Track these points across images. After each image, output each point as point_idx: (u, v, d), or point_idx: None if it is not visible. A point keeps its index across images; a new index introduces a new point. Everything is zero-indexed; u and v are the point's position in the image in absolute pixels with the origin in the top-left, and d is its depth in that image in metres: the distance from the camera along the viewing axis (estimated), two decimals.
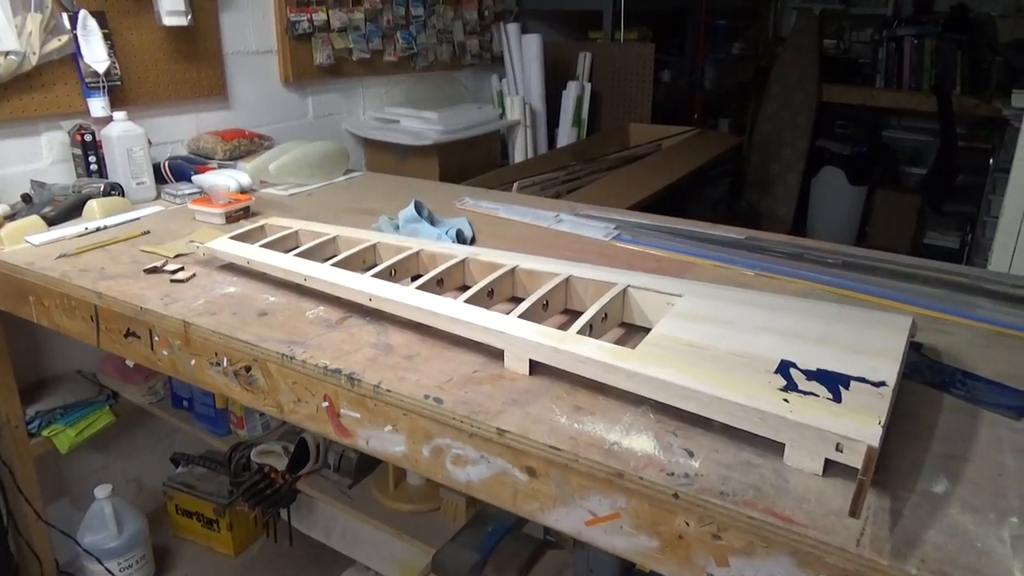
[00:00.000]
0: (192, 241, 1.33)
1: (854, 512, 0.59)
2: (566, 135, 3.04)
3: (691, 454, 0.71)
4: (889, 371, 0.74)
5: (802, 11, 4.47)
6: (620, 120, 3.16)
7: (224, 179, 1.70)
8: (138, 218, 1.53)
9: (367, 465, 1.70)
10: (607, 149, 2.88)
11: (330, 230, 1.25)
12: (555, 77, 3.02)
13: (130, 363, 1.78)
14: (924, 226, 4.12)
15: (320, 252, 1.19)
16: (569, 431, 0.75)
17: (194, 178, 1.74)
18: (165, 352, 1.08)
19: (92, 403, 1.78)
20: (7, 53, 1.54)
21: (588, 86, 3.06)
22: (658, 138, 3.00)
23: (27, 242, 1.36)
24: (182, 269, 1.21)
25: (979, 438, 0.74)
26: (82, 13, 1.63)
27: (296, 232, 1.27)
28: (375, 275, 1.04)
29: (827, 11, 4.46)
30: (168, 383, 1.94)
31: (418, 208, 1.41)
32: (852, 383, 0.72)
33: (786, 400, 0.69)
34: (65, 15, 1.62)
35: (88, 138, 1.66)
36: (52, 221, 1.47)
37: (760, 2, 4.75)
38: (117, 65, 1.75)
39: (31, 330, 1.73)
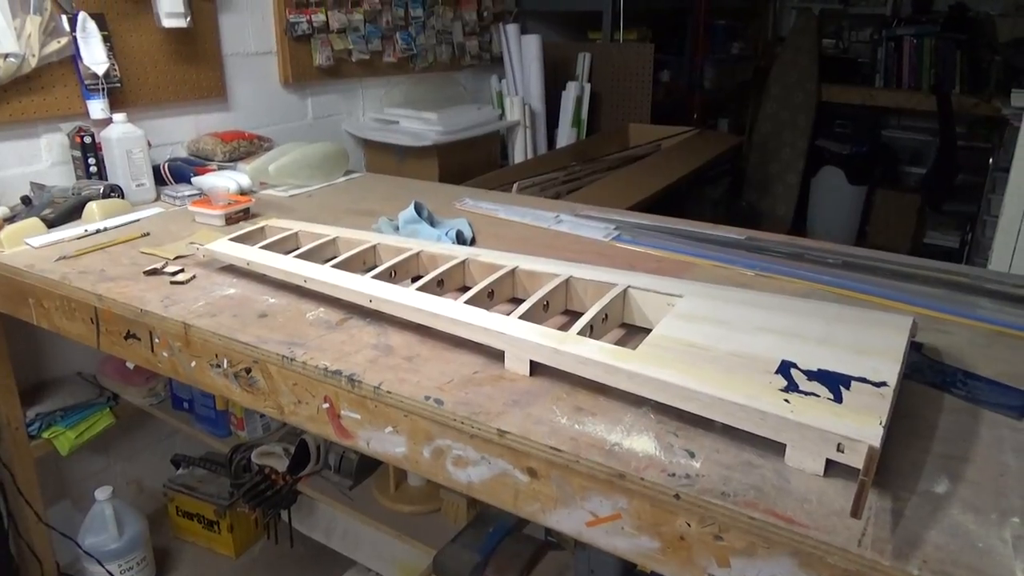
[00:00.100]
0: (192, 243, 1.33)
1: (855, 512, 0.59)
2: (566, 136, 3.04)
3: (692, 455, 0.71)
4: (890, 371, 0.74)
5: (801, 11, 4.47)
6: (620, 120, 3.16)
7: (224, 181, 1.70)
8: (138, 220, 1.53)
9: (368, 466, 1.70)
10: (607, 149, 2.88)
11: (330, 231, 1.25)
12: (554, 78, 3.02)
13: (130, 365, 1.78)
14: (924, 226, 4.12)
15: (320, 253, 1.19)
16: (570, 432, 0.75)
17: (194, 180, 1.74)
18: (165, 354, 1.08)
19: (92, 405, 1.78)
20: (6, 55, 1.54)
21: (587, 86, 3.06)
22: (658, 138, 3.00)
23: (27, 244, 1.36)
24: (182, 271, 1.21)
25: (980, 438, 0.74)
26: (81, 15, 1.63)
27: (296, 233, 1.27)
28: (375, 276, 1.04)
29: (826, 11, 4.46)
30: (168, 385, 1.94)
31: (418, 209, 1.41)
32: (853, 383, 0.72)
33: (787, 400, 0.69)
34: (64, 17, 1.62)
35: (87, 140, 1.66)
36: (52, 223, 1.47)
37: (759, 2, 4.75)
38: (116, 67, 1.75)
39: (31, 332, 1.73)
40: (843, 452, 0.64)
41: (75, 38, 1.64)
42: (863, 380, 0.72)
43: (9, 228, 1.38)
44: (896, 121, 4.49)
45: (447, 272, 1.05)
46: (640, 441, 0.73)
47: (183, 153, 1.97)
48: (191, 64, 1.95)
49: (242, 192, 1.69)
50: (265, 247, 1.19)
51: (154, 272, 1.21)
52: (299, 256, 1.15)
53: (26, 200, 1.57)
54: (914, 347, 0.91)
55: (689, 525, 0.66)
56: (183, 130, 1.99)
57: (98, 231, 1.44)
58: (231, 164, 1.87)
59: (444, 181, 2.28)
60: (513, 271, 1.05)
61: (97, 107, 1.70)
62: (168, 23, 1.80)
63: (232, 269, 1.22)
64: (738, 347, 0.79)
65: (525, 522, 1.56)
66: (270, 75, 2.20)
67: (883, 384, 0.71)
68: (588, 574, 1.34)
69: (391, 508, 1.64)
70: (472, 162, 2.52)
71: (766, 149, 4.35)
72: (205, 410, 1.87)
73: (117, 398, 1.84)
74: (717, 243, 1.34)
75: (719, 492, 0.65)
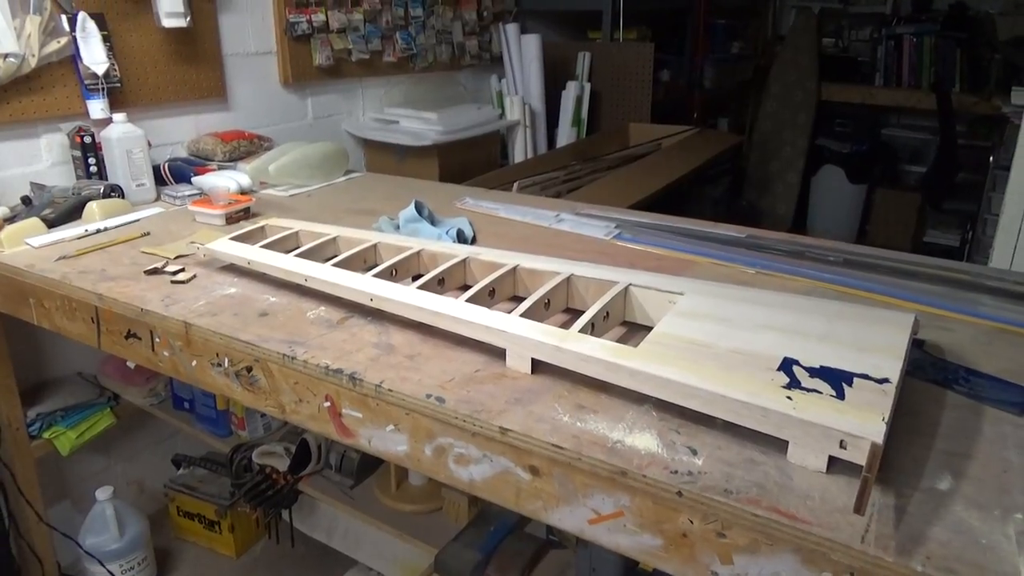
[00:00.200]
0: (192, 242, 1.33)
1: (858, 509, 0.59)
2: (566, 135, 3.04)
3: (694, 452, 0.70)
4: (892, 368, 0.74)
5: (801, 10, 4.47)
6: (620, 120, 3.16)
7: (224, 180, 1.69)
8: (138, 220, 1.53)
9: (369, 465, 1.70)
10: (607, 149, 2.88)
11: (330, 230, 1.25)
12: (554, 77, 3.02)
13: (131, 365, 1.78)
14: (924, 224, 4.12)
15: (321, 252, 1.19)
16: (572, 430, 0.74)
17: (194, 179, 1.74)
18: (166, 353, 1.08)
19: (93, 405, 1.78)
20: (6, 55, 1.54)
21: (587, 86, 3.06)
22: (658, 137, 3.00)
23: (27, 244, 1.36)
24: (183, 270, 1.21)
25: (983, 435, 0.74)
26: (81, 15, 1.63)
27: (296, 233, 1.27)
28: (376, 275, 1.04)
29: (826, 10, 4.46)
30: (169, 384, 1.94)
31: (418, 208, 1.41)
32: (855, 380, 0.71)
33: (789, 397, 0.69)
34: (64, 17, 1.62)
35: (87, 140, 1.66)
36: (52, 223, 1.46)
37: (759, 1, 4.75)
38: (116, 67, 1.75)
39: (31, 332, 1.73)
40: (846, 449, 0.64)
41: (75, 38, 1.64)
42: (865, 377, 0.72)
43: (9, 228, 1.38)
44: (896, 120, 4.49)
45: (448, 271, 1.05)
46: (642, 439, 0.73)
47: (183, 153, 1.97)
48: (191, 64, 1.94)
49: (242, 192, 1.69)
50: (266, 246, 1.19)
51: (155, 272, 1.21)
52: (300, 255, 1.15)
53: (26, 200, 1.57)
54: (916, 344, 0.91)
55: (692, 522, 0.66)
56: (183, 130, 1.99)
57: (98, 231, 1.44)
58: (231, 164, 1.87)
59: (444, 181, 2.28)
60: (514, 269, 1.05)
61: (97, 107, 1.70)
62: (168, 23, 1.80)
63: (233, 268, 1.22)
64: (740, 344, 0.79)
65: (526, 520, 1.55)
66: (270, 75, 2.20)
67: (885, 381, 0.71)
68: (590, 572, 1.34)
69: (392, 507, 1.64)
70: (472, 162, 2.52)
71: (766, 148, 4.35)
72: (206, 410, 1.87)
73: (118, 398, 1.84)
74: (718, 241, 1.34)
75: (722, 489, 0.65)
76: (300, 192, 1.80)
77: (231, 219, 1.50)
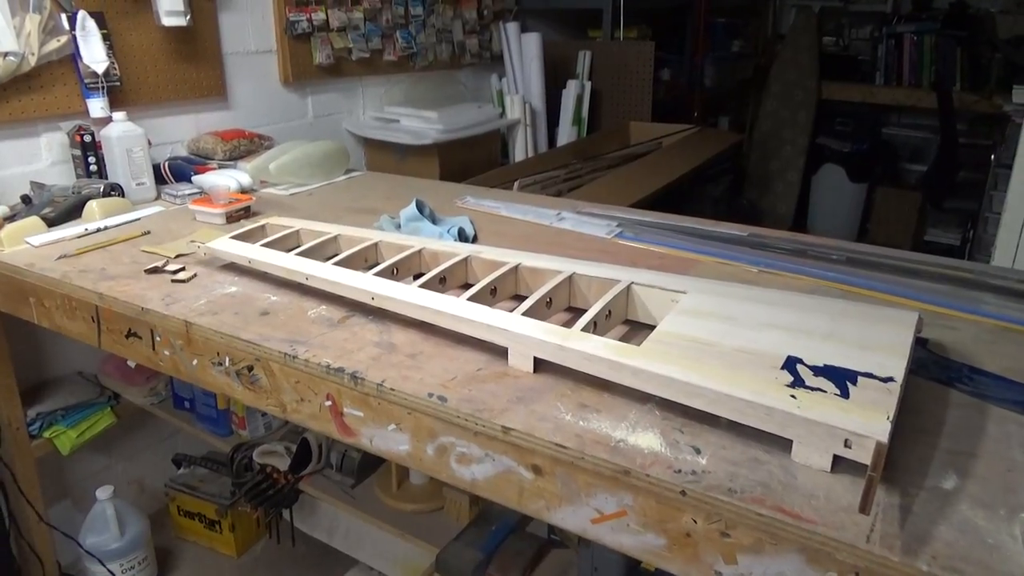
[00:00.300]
0: (193, 241, 1.33)
1: (864, 508, 0.59)
2: (566, 134, 3.03)
3: (698, 451, 0.70)
4: (896, 367, 0.73)
5: (801, 8, 4.46)
6: (620, 118, 3.16)
7: (224, 179, 1.69)
8: (138, 219, 1.53)
9: (370, 465, 1.70)
10: (607, 147, 2.88)
11: (331, 229, 1.24)
12: (555, 76, 3.01)
13: (131, 364, 1.77)
14: (925, 223, 4.12)
15: (321, 251, 1.19)
16: (574, 429, 0.74)
17: (194, 178, 1.73)
18: (167, 352, 1.07)
19: (93, 404, 1.78)
20: (6, 54, 1.54)
21: (588, 85, 3.06)
22: (658, 136, 3.00)
23: (27, 243, 1.36)
24: (183, 269, 1.21)
25: (987, 434, 0.73)
26: (81, 14, 1.63)
27: (297, 231, 1.26)
28: (377, 274, 1.04)
29: (826, 8, 4.45)
30: (169, 384, 1.93)
31: (419, 207, 1.41)
32: (859, 379, 0.71)
33: (793, 396, 0.68)
34: (64, 16, 1.62)
35: (87, 139, 1.65)
36: (52, 222, 1.46)
37: (759, 0, 4.75)
38: (116, 66, 1.74)
39: (32, 331, 1.73)
40: (850, 448, 0.64)
41: (75, 36, 1.63)
42: (870, 376, 0.72)
43: (9, 227, 1.37)
44: (896, 118, 4.48)
45: (449, 269, 1.05)
46: (645, 438, 0.72)
47: (183, 152, 1.97)
48: (191, 63, 1.94)
49: (243, 191, 1.69)
50: (266, 245, 1.19)
51: (155, 270, 1.21)
52: (300, 254, 1.15)
53: (26, 199, 1.56)
54: (920, 343, 0.90)
55: (695, 522, 0.65)
56: (183, 129, 1.98)
57: (98, 230, 1.44)
58: (231, 163, 1.87)
59: (445, 179, 2.28)
60: (516, 268, 1.04)
61: (97, 106, 1.69)
62: (168, 21, 1.80)
63: (233, 267, 1.22)
64: (743, 343, 0.79)
65: (528, 520, 1.55)
66: (270, 74, 2.19)
67: (890, 379, 0.71)
68: (592, 572, 1.34)
69: (393, 507, 1.64)
70: (473, 161, 2.51)
71: (766, 147, 4.35)
72: (206, 409, 1.87)
73: (118, 397, 1.84)
74: (720, 240, 1.33)
75: (726, 488, 0.64)
76: (301, 191, 1.80)
77: (231, 218, 1.50)
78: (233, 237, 1.23)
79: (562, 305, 1.00)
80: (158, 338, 1.08)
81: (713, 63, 4.15)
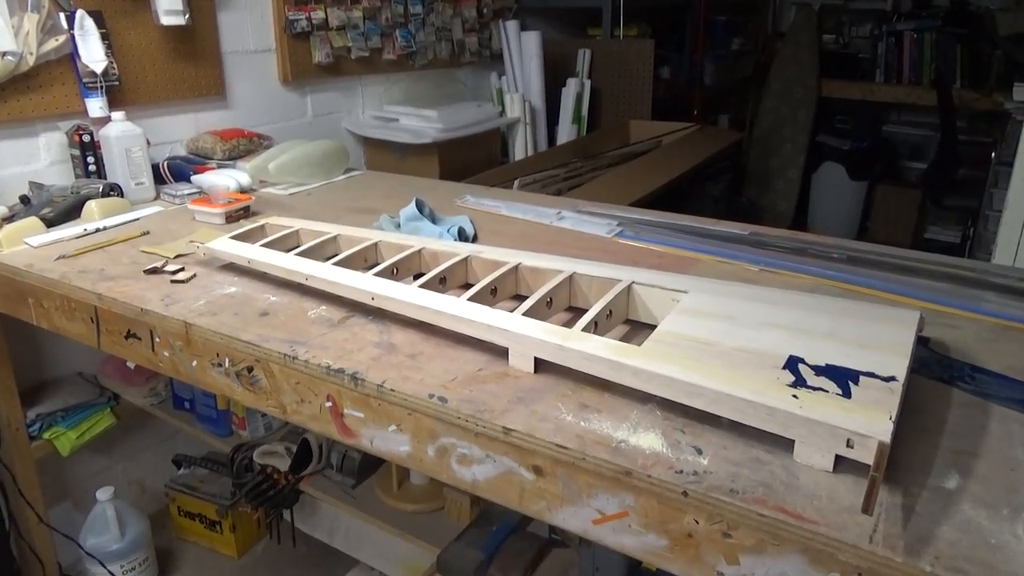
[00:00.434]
0: (192, 241, 1.32)
1: (866, 509, 0.59)
2: (566, 132, 3.03)
3: (699, 451, 0.70)
4: (898, 366, 0.73)
5: (801, 6, 4.46)
6: (620, 117, 3.15)
7: (223, 179, 1.69)
8: (137, 219, 1.53)
9: (370, 465, 1.70)
10: (607, 146, 2.87)
11: (331, 229, 1.24)
12: (555, 74, 3.01)
13: (131, 365, 1.77)
14: (925, 221, 4.11)
15: (321, 251, 1.19)
16: (575, 429, 0.74)
17: (193, 178, 1.73)
18: (166, 353, 1.07)
19: (93, 405, 1.78)
20: (4, 54, 1.53)
21: (588, 83, 3.05)
22: (658, 134, 2.99)
23: (26, 244, 1.36)
24: (182, 270, 1.21)
25: (990, 433, 0.73)
26: (79, 13, 1.62)
27: (297, 231, 1.26)
28: (377, 274, 1.03)
29: (826, 6, 4.45)
30: (169, 384, 1.93)
31: (419, 206, 1.41)
32: (861, 378, 0.71)
33: (795, 396, 0.68)
34: (62, 15, 1.61)
35: (86, 139, 1.65)
36: (51, 222, 1.46)
37: None
38: (115, 65, 1.74)
39: (31, 332, 1.73)
40: (852, 448, 0.64)
41: (73, 36, 1.63)
42: (871, 375, 0.71)
43: (8, 227, 1.37)
44: (897, 116, 4.47)
45: (449, 269, 1.05)
46: (647, 438, 0.72)
47: (182, 151, 1.96)
48: (190, 62, 1.94)
49: (242, 190, 1.68)
50: (266, 245, 1.19)
51: (154, 271, 1.21)
52: (300, 254, 1.14)
53: (25, 199, 1.56)
54: (921, 341, 0.90)
55: (697, 522, 0.65)
56: (182, 128, 1.98)
57: (97, 230, 1.44)
58: (231, 162, 1.87)
59: (444, 179, 2.28)
60: (516, 268, 1.04)
61: (96, 105, 1.69)
62: (167, 20, 1.79)
63: (233, 267, 1.22)
64: (744, 342, 0.79)
65: (529, 520, 1.55)
66: (269, 73, 2.19)
67: (892, 379, 0.71)
68: (593, 572, 1.34)
69: (394, 507, 1.64)
70: (472, 159, 2.51)
71: (766, 145, 4.34)
72: (206, 410, 1.87)
73: (118, 398, 1.84)
74: (720, 239, 1.33)
75: (727, 489, 0.64)
76: (300, 190, 1.79)
77: (231, 218, 1.49)
78: (232, 237, 1.23)
79: (562, 305, 1.00)
80: (157, 339, 1.07)
81: (713, 61, 4.15)
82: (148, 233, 1.43)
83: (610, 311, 0.92)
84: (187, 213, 1.54)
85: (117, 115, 1.63)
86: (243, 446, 1.76)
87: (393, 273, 1.07)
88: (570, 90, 3.00)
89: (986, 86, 3.79)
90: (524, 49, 2.90)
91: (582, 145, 2.88)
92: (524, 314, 0.88)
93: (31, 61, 1.57)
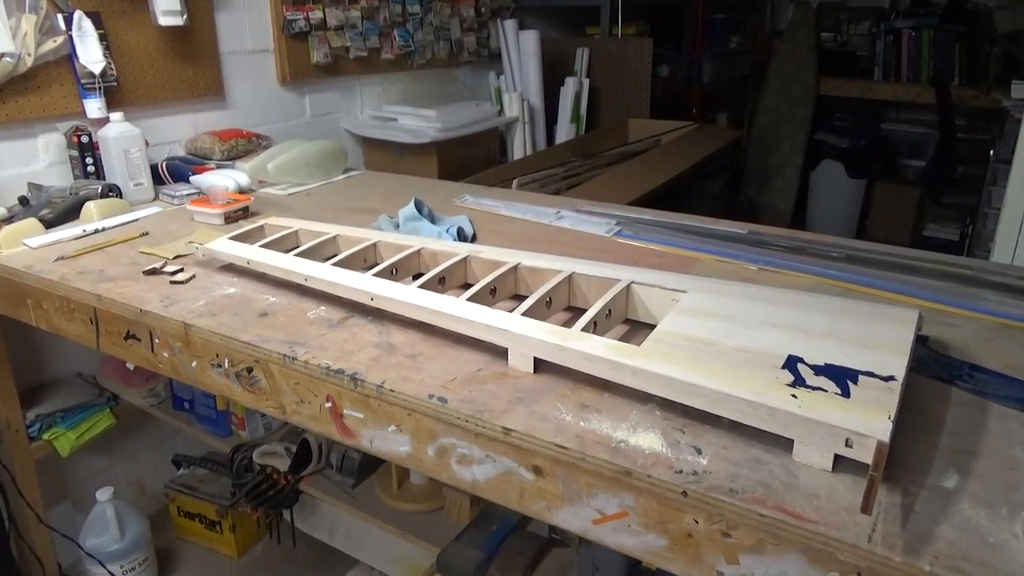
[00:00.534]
0: (191, 242, 1.32)
1: (865, 508, 0.59)
2: (565, 131, 3.03)
3: (699, 451, 0.70)
4: (897, 365, 0.73)
5: (799, 4, 4.46)
6: (619, 115, 3.16)
7: (222, 179, 1.69)
8: (136, 219, 1.53)
9: (370, 465, 1.70)
10: (606, 145, 2.88)
11: (330, 229, 1.24)
12: (553, 73, 3.01)
13: (130, 365, 1.77)
14: (924, 218, 4.11)
15: (320, 252, 1.19)
16: (575, 429, 0.74)
17: (192, 179, 1.73)
18: (166, 354, 1.07)
19: (92, 406, 1.78)
20: (2, 55, 1.53)
21: (586, 82, 3.05)
22: (657, 133, 2.99)
23: (25, 245, 1.36)
24: (181, 270, 1.21)
25: (989, 432, 0.73)
26: (77, 14, 1.62)
27: (296, 232, 1.26)
28: (376, 274, 1.03)
29: (824, 4, 4.45)
30: (169, 385, 1.93)
31: (418, 206, 1.41)
32: (860, 378, 0.71)
33: (794, 396, 0.68)
34: (60, 16, 1.61)
35: (85, 139, 1.65)
36: (50, 223, 1.46)
37: None
38: (113, 66, 1.74)
39: (30, 333, 1.72)
40: (852, 447, 0.64)
41: (71, 37, 1.63)
42: (870, 374, 0.71)
43: (7, 229, 1.37)
44: (895, 114, 4.47)
45: (449, 269, 1.05)
46: (646, 438, 0.72)
47: (181, 152, 1.96)
48: (188, 62, 1.93)
49: (241, 191, 1.68)
50: (265, 246, 1.18)
51: (153, 272, 1.21)
52: (299, 254, 1.14)
53: (23, 200, 1.56)
54: (920, 340, 0.90)
55: (697, 522, 0.65)
56: (181, 129, 1.98)
57: (96, 231, 1.44)
58: (229, 163, 1.86)
59: (443, 178, 2.28)
60: (515, 268, 1.04)
61: (94, 106, 1.69)
62: (165, 21, 1.79)
63: (232, 268, 1.22)
64: (744, 342, 0.79)
65: (529, 519, 1.55)
66: (268, 73, 2.19)
67: (891, 378, 0.71)
68: (593, 571, 1.34)
69: (394, 507, 1.64)
70: (471, 159, 2.51)
71: (765, 143, 4.35)
72: (206, 410, 1.87)
73: (117, 399, 1.84)
74: (720, 238, 1.33)
75: (727, 489, 0.64)
76: (299, 191, 1.79)
77: (230, 218, 1.49)
78: (231, 238, 1.23)
79: (562, 305, 1.00)
80: (157, 340, 1.07)
81: (711, 59, 4.15)
82: (147, 234, 1.43)
83: (609, 311, 0.92)
84: (186, 214, 1.54)
85: (115, 116, 1.63)
86: (243, 446, 1.76)
87: (392, 273, 1.07)
88: (568, 89, 3.00)
89: (984, 84, 3.79)
90: (522, 48, 2.90)
91: (581, 144, 2.88)
92: (523, 314, 0.88)
93: (29, 62, 1.57)
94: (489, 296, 0.98)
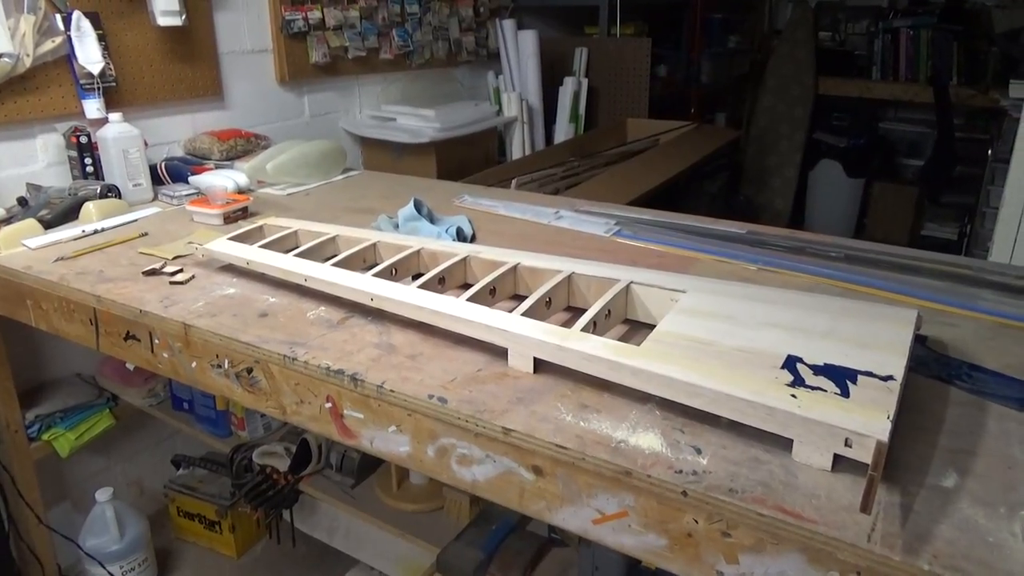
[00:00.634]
0: (191, 242, 1.32)
1: (865, 508, 0.59)
2: (563, 131, 3.03)
3: (699, 451, 0.70)
4: (896, 365, 0.73)
5: (797, 3, 4.46)
6: (617, 115, 3.16)
7: (221, 179, 1.69)
8: (135, 220, 1.52)
9: (369, 465, 1.70)
10: (605, 144, 2.88)
11: (329, 230, 1.24)
12: (552, 73, 3.01)
13: (130, 366, 1.77)
14: (922, 218, 4.12)
15: (320, 252, 1.19)
16: (575, 429, 0.74)
17: (191, 179, 1.73)
18: (166, 355, 1.07)
19: (92, 406, 1.77)
20: (0, 55, 1.53)
21: (585, 81, 3.05)
22: (655, 133, 3.00)
23: (24, 246, 1.35)
24: (181, 271, 1.21)
25: (987, 431, 0.74)
26: (76, 14, 1.62)
27: (295, 232, 1.26)
28: (376, 274, 1.03)
29: (822, 3, 4.45)
30: (168, 385, 1.93)
31: (417, 206, 1.41)
32: (859, 377, 0.71)
33: (794, 396, 0.68)
34: (59, 16, 1.61)
35: (84, 140, 1.65)
36: (49, 224, 1.46)
37: None
38: (112, 66, 1.73)
39: (30, 334, 1.72)
40: (851, 447, 0.64)
41: (70, 37, 1.63)
42: (869, 374, 0.72)
43: (6, 229, 1.37)
44: (893, 113, 4.48)
45: (448, 269, 1.05)
46: (646, 438, 0.72)
47: (180, 152, 1.96)
48: (187, 63, 1.93)
49: (240, 191, 1.68)
50: (264, 246, 1.19)
51: (153, 272, 1.21)
52: (299, 255, 1.14)
53: (22, 201, 1.56)
54: (919, 340, 0.90)
55: (697, 522, 0.65)
56: (180, 129, 1.98)
57: (96, 232, 1.44)
58: (228, 163, 1.86)
59: (442, 178, 2.28)
60: (515, 268, 1.04)
61: (93, 107, 1.69)
62: (163, 21, 1.79)
63: (231, 268, 1.22)
64: (743, 342, 0.79)
65: (528, 519, 1.55)
66: (266, 73, 2.19)
67: (890, 378, 0.71)
68: (592, 571, 1.34)
69: (394, 507, 1.64)
70: (470, 159, 2.51)
71: (763, 142, 4.35)
72: (205, 410, 1.87)
73: (116, 399, 1.83)
74: (719, 238, 1.33)
75: (727, 488, 0.64)
76: (298, 191, 1.79)
77: (229, 219, 1.49)
78: (231, 238, 1.23)
79: (561, 305, 1.00)
80: (157, 340, 1.07)
81: (710, 59, 4.15)
82: (146, 234, 1.43)
83: (609, 311, 0.92)
84: (185, 214, 1.54)
85: (114, 116, 1.62)
86: (242, 446, 1.76)
87: (392, 274, 1.07)
88: (567, 89, 3.00)
89: (982, 83, 3.80)
90: (521, 48, 2.90)
91: (579, 144, 2.88)
92: (523, 314, 0.88)
93: (28, 63, 1.57)
94: (489, 296, 0.98)
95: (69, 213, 1.50)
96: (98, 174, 1.67)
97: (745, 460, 0.69)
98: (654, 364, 0.75)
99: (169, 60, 1.89)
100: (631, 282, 0.96)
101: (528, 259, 1.05)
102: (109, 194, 1.56)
